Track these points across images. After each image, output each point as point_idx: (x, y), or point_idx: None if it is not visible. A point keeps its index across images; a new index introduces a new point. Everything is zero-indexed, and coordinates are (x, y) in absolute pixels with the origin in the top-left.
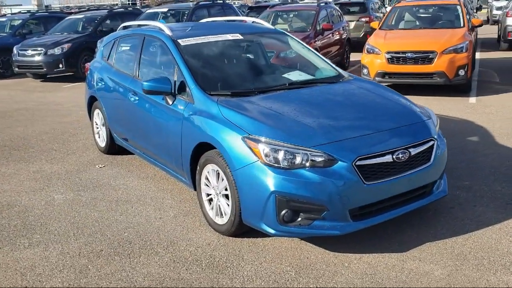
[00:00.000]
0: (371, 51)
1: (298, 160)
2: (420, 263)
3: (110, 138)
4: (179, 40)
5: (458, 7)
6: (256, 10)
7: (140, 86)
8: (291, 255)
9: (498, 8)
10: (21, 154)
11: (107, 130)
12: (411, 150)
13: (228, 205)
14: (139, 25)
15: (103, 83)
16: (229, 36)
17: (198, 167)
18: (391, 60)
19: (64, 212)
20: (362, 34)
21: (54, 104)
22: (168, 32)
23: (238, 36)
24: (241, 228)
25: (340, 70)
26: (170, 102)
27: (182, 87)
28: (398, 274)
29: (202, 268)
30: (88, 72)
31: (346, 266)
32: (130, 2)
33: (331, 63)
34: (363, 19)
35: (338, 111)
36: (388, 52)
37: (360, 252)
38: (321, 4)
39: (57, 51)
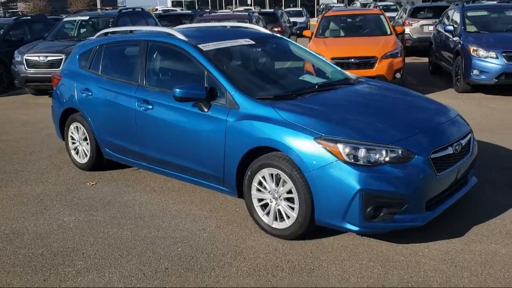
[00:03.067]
0: None
1: (379, 156)
2: (482, 244)
3: (97, 153)
4: (199, 45)
5: (382, 16)
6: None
7: (152, 94)
8: (364, 251)
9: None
10: None
11: (92, 144)
12: (462, 141)
13: (293, 208)
14: (131, 31)
15: (89, 94)
16: (243, 41)
17: (248, 173)
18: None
19: (89, 235)
20: None
21: None
22: (183, 37)
23: (250, 41)
24: (309, 230)
25: (346, 72)
26: (206, 109)
27: (213, 93)
28: (472, 256)
29: (289, 273)
30: (60, 84)
31: (422, 255)
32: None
33: (334, 66)
34: (276, 29)
35: (387, 110)
36: (333, 58)
37: (423, 241)
38: (250, 13)
39: None
